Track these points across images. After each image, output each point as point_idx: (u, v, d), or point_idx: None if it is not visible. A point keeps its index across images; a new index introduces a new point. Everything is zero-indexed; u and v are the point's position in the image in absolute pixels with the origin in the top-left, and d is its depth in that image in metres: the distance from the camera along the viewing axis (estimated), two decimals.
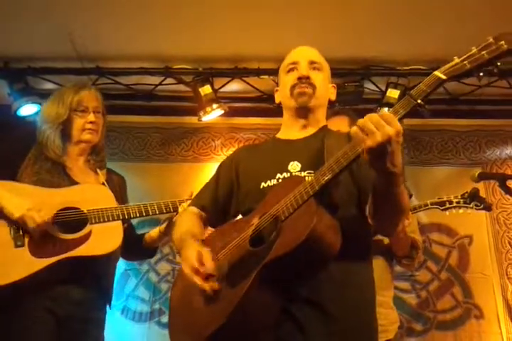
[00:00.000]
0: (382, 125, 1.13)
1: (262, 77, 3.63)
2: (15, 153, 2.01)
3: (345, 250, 1.26)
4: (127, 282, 3.69)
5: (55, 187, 1.96)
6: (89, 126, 2.08)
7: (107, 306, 2.04)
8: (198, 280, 1.32)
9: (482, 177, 2.53)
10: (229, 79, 3.73)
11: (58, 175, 2.00)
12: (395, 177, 1.20)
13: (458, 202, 2.41)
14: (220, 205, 1.63)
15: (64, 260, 1.83)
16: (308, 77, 1.58)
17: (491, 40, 1.12)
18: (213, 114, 3.71)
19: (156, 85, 3.77)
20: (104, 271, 1.98)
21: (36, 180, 1.95)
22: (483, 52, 1.12)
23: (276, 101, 1.71)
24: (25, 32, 3.26)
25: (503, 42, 1.10)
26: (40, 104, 3.62)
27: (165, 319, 3.56)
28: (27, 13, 3.10)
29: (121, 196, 2.17)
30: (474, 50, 1.14)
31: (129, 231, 2.12)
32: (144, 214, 2.01)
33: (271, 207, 1.35)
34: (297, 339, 1.31)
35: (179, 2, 3.07)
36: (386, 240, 2.36)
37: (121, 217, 1.96)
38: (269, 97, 3.82)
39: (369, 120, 1.15)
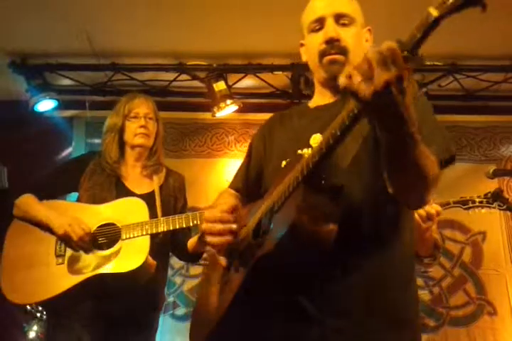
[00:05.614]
0: (373, 68, 0.84)
1: (275, 72, 3.63)
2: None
3: (361, 240, 1.15)
4: None
5: (98, 203, 2.11)
6: (140, 130, 2.19)
7: (155, 310, 2.17)
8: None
9: (497, 173, 2.52)
10: (243, 75, 3.75)
11: (109, 188, 2.13)
12: (404, 137, 0.93)
13: (481, 202, 2.35)
14: (250, 186, 1.49)
15: (92, 278, 1.98)
16: (338, 40, 1.29)
17: None
18: (227, 110, 3.72)
19: (171, 81, 3.79)
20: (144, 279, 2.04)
21: (89, 194, 2.13)
22: None
23: (303, 59, 1.45)
24: (42, 29, 3.30)
25: None
26: (57, 99, 3.68)
27: (179, 312, 3.61)
28: (43, 10, 3.14)
29: (174, 199, 2.24)
30: None
31: (179, 234, 2.19)
32: (172, 227, 2.06)
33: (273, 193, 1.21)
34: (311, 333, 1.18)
35: None
36: None
37: (149, 232, 2.03)
38: (283, 93, 3.83)
39: (358, 65, 0.86)
